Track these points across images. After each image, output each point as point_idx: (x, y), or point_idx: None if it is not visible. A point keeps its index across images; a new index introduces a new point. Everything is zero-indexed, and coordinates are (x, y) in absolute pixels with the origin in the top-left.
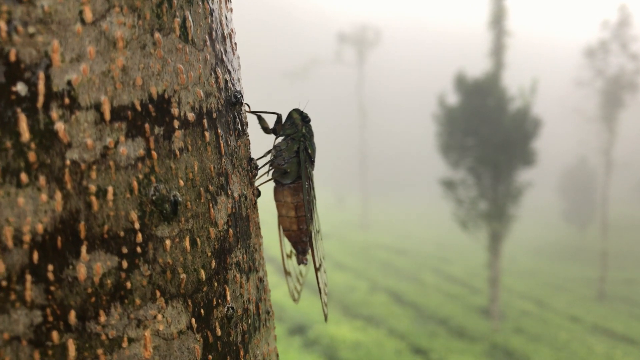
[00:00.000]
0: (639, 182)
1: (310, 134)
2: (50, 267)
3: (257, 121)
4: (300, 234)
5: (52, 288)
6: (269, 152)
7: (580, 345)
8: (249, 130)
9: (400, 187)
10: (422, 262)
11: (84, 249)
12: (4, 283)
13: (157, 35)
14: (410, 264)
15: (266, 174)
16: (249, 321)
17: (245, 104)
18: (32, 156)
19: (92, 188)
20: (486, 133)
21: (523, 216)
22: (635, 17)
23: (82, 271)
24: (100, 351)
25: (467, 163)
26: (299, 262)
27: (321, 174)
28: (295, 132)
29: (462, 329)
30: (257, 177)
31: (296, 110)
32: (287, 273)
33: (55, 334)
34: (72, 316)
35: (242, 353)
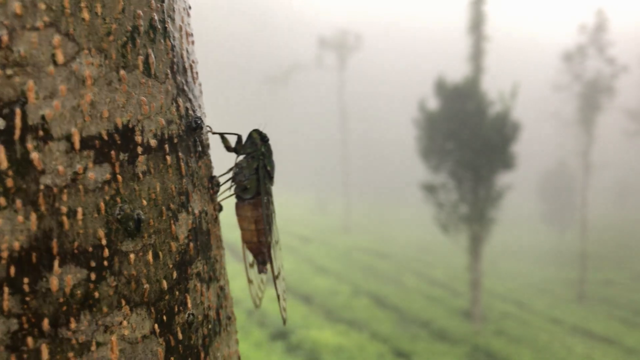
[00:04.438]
0: (617, 184)
1: (269, 152)
2: (26, 280)
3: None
4: (260, 245)
5: (28, 298)
6: (230, 169)
7: (561, 347)
8: (215, 150)
9: (382, 191)
10: (403, 266)
11: (56, 263)
12: None
13: (122, 72)
14: (392, 268)
15: (228, 190)
16: (210, 326)
17: (207, 126)
18: (9, 182)
19: (64, 209)
20: (466, 137)
21: (503, 219)
22: (612, 22)
23: (54, 283)
24: (71, 354)
25: (447, 167)
26: (259, 271)
27: (303, 178)
28: (254, 150)
29: (444, 331)
30: (220, 193)
31: (256, 130)
32: (249, 281)
33: (30, 340)
34: (46, 323)
35: (202, 355)
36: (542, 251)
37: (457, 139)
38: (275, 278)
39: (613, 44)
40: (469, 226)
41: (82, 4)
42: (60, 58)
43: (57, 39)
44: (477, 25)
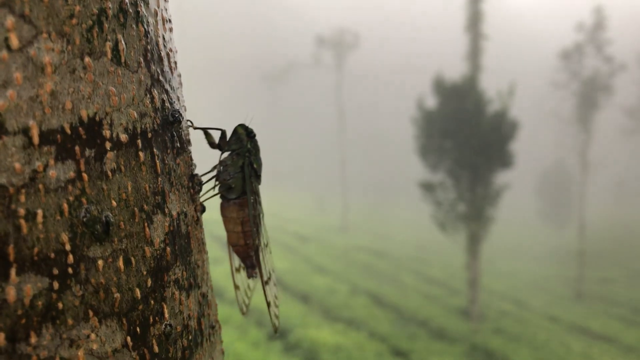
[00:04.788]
0: (615, 182)
1: (255, 149)
2: None
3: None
4: (248, 248)
5: None
6: (214, 167)
7: (559, 345)
8: (198, 146)
9: (380, 190)
10: (401, 264)
11: (13, 271)
12: None
13: (87, 59)
14: (390, 266)
15: (212, 189)
16: (190, 337)
17: (188, 120)
18: None
19: (21, 211)
20: (464, 136)
21: (501, 218)
22: (610, 20)
23: (11, 293)
24: None
25: (445, 165)
26: (249, 275)
27: (301, 177)
28: (240, 147)
29: (442, 330)
30: (203, 193)
31: (241, 125)
32: (236, 287)
33: None
34: (2, 338)
35: None
36: (540, 249)
37: (455, 138)
38: (264, 283)
39: (611, 42)
40: (467, 225)
41: None
42: (14, 42)
43: (10, 20)
44: (474, 23)
